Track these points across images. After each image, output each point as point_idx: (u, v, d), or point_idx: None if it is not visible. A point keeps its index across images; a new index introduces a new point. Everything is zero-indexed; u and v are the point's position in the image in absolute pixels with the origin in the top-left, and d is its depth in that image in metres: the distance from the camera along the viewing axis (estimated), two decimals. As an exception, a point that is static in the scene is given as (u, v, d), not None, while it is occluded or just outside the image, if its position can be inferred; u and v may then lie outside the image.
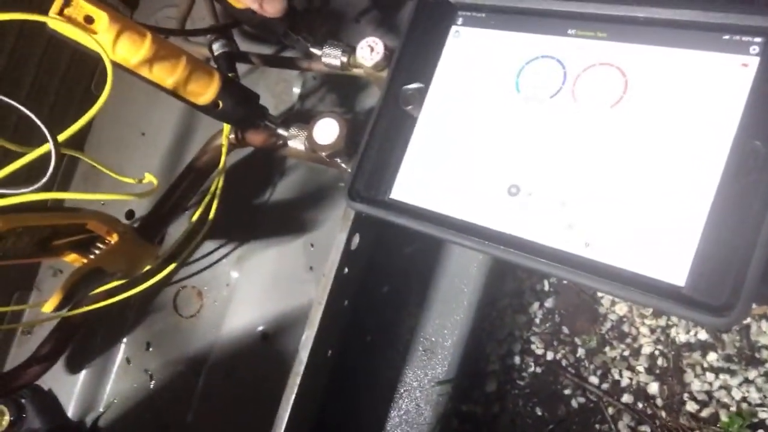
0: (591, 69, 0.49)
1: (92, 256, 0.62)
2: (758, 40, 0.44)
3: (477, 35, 0.55)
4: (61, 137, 0.44)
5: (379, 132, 0.54)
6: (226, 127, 0.70)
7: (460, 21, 0.56)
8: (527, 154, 0.49)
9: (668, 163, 0.44)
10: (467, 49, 0.55)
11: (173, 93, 0.58)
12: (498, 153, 0.50)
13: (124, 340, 0.86)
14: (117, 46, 0.54)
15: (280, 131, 0.65)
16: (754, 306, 0.83)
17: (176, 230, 0.81)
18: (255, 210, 0.83)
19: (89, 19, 0.53)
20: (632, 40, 0.48)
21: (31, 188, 0.43)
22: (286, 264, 0.79)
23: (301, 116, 0.84)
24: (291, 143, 0.65)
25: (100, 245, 0.64)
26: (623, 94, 0.48)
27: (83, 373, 0.87)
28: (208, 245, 0.83)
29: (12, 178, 0.51)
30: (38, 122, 0.42)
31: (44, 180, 0.42)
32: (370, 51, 0.60)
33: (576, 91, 0.49)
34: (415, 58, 0.55)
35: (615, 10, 0.49)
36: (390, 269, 0.78)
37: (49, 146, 0.42)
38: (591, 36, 0.50)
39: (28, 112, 0.42)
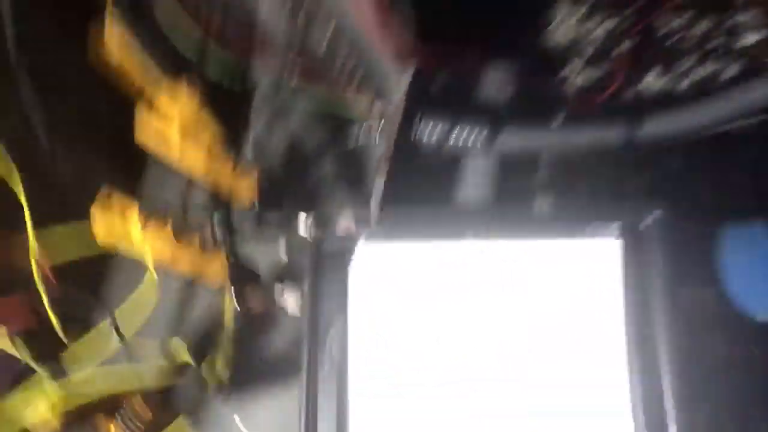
0: (486, 266, 0.57)
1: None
2: (615, 224, 0.54)
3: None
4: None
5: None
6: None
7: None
8: (455, 353, 0.56)
9: (572, 336, 0.54)
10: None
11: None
12: (428, 356, 0.57)
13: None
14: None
15: (276, 298, 0.80)
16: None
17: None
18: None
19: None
20: (514, 237, 0.57)
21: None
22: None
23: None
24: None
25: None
26: (517, 283, 0.56)
27: None
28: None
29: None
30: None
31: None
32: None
33: (477, 287, 0.57)
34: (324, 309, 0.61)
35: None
36: None
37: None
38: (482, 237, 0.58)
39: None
